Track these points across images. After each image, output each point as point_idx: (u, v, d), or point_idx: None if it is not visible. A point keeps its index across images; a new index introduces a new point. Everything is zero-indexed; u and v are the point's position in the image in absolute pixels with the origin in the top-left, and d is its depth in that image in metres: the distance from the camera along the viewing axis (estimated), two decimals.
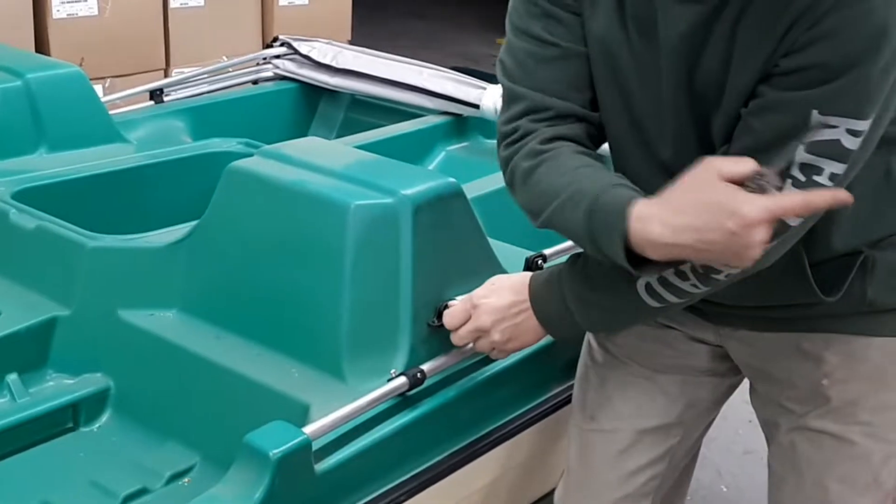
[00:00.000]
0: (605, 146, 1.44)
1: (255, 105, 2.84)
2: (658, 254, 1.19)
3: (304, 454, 1.32)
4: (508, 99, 1.43)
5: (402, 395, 1.48)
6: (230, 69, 2.93)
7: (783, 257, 1.31)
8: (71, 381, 1.72)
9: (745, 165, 1.14)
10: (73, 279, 1.75)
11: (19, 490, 1.54)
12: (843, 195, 1.15)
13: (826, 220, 1.31)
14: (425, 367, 1.50)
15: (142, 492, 1.54)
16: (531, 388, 1.73)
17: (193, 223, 1.70)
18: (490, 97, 2.61)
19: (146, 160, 2.28)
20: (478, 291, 1.49)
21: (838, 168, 1.20)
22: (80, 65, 2.55)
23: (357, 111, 2.92)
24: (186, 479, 1.57)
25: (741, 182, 1.13)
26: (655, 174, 1.33)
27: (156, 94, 2.68)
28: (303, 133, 2.82)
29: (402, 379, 1.47)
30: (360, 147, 2.03)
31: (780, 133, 1.21)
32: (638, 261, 1.22)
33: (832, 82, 1.17)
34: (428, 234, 1.53)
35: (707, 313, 1.48)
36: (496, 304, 1.46)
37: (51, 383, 1.72)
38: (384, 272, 1.51)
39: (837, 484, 1.46)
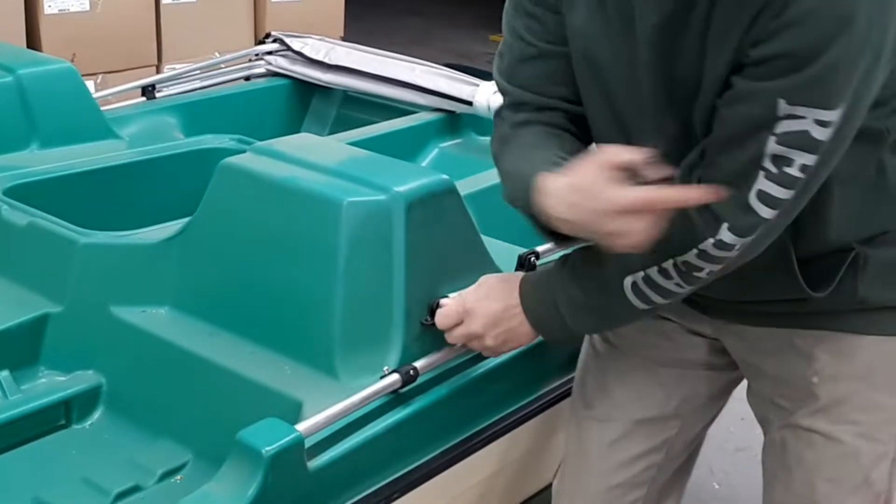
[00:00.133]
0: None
1: (248, 101, 2.83)
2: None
3: (296, 451, 1.32)
4: (500, 92, 1.50)
5: (394, 392, 1.48)
6: (222, 65, 2.92)
7: (770, 252, 1.31)
8: (63, 378, 1.71)
9: (626, 154, 1.17)
10: (64, 276, 1.74)
11: (11, 487, 1.54)
12: (718, 192, 1.19)
13: (815, 215, 1.31)
14: (418, 364, 1.50)
15: (134, 489, 1.53)
16: (524, 385, 1.73)
17: (186, 220, 1.69)
18: (483, 94, 2.61)
19: (138, 156, 2.27)
20: (469, 294, 1.49)
21: (809, 159, 1.20)
22: (72, 60, 2.55)
23: (350, 108, 2.91)
24: (179, 477, 1.57)
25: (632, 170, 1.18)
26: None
27: (148, 91, 2.68)
28: (295, 129, 2.81)
29: (395, 376, 1.47)
30: (352, 144, 2.03)
31: (750, 124, 1.21)
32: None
33: (799, 72, 1.17)
34: (421, 231, 1.53)
35: (703, 306, 1.48)
36: (488, 310, 1.46)
37: (43, 380, 1.71)
38: (377, 269, 1.51)
39: (826, 484, 1.46)
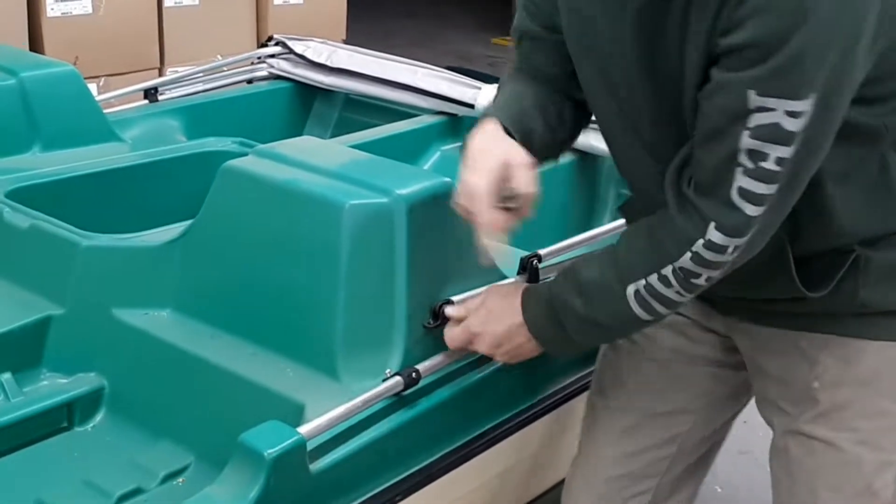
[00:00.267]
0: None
1: (250, 104, 2.84)
2: None
3: (298, 454, 1.32)
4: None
5: (397, 394, 1.48)
6: (225, 68, 2.92)
7: (767, 249, 1.30)
8: (65, 381, 1.71)
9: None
10: (67, 278, 1.74)
11: (13, 489, 1.54)
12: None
13: (813, 214, 1.30)
14: (420, 366, 1.50)
15: (136, 491, 1.53)
16: (527, 387, 1.73)
17: (188, 222, 1.69)
18: (485, 97, 2.61)
19: (140, 159, 2.27)
20: (473, 319, 1.49)
21: (784, 151, 1.18)
22: (75, 63, 2.55)
23: (352, 110, 2.91)
24: (181, 479, 1.57)
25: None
26: (641, 156, 1.34)
27: (150, 93, 2.68)
28: (297, 132, 2.82)
29: (397, 379, 1.47)
30: (354, 146, 2.03)
31: (724, 117, 1.20)
32: None
33: (766, 62, 1.16)
34: (423, 234, 1.53)
35: (715, 303, 1.48)
36: (493, 332, 1.47)
37: (45, 382, 1.71)
38: (379, 271, 1.51)
39: (828, 492, 1.44)
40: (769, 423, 1.53)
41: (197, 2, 3.79)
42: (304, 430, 1.34)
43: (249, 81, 2.94)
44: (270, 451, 1.28)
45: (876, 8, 1.17)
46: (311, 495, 1.37)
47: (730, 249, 1.25)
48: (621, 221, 1.90)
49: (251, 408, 1.47)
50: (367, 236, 1.50)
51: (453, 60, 6.31)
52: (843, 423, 1.42)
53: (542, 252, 1.69)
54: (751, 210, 1.22)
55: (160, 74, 3.65)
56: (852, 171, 1.30)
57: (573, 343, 1.43)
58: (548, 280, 1.47)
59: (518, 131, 1.41)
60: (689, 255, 1.27)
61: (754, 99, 1.17)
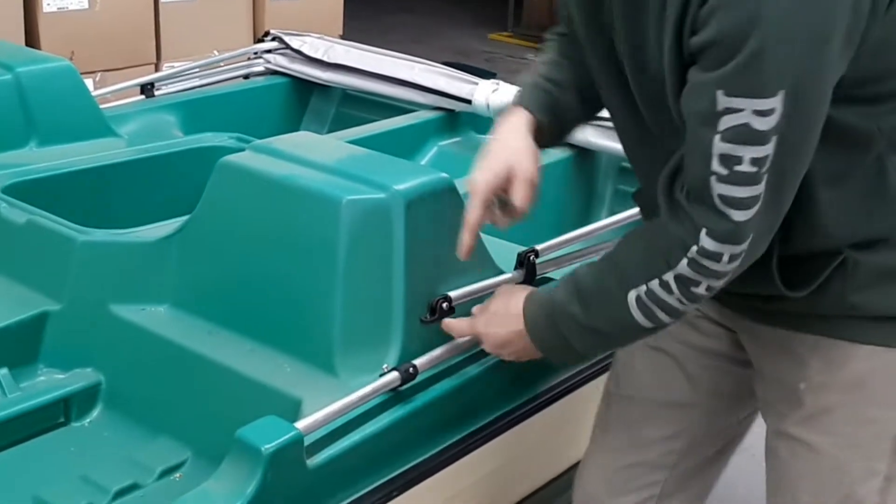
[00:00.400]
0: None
1: (247, 100, 2.83)
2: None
3: (296, 449, 1.32)
4: None
5: (394, 390, 1.48)
6: (221, 63, 2.92)
7: None
8: (62, 376, 1.71)
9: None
10: (63, 274, 1.74)
11: (10, 485, 1.54)
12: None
13: (805, 216, 1.28)
14: (417, 362, 1.50)
15: (133, 487, 1.53)
16: (524, 382, 1.73)
17: (185, 218, 1.69)
18: (482, 92, 2.61)
19: (137, 154, 2.27)
20: (477, 320, 1.50)
21: (758, 151, 1.16)
22: (71, 58, 2.54)
23: (349, 106, 2.91)
24: (178, 474, 1.57)
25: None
26: (645, 150, 1.34)
27: (147, 89, 2.68)
28: (294, 128, 2.81)
29: (395, 374, 1.47)
30: (352, 142, 2.03)
31: (698, 120, 1.19)
32: None
33: (730, 60, 1.14)
34: (420, 230, 1.53)
35: (722, 298, 1.47)
36: (496, 336, 1.48)
37: (42, 378, 1.71)
38: (376, 267, 1.51)
39: (808, 496, 1.42)
40: (766, 421, 1.52)
41: None
42: (301, 425, 1.34)
43: (246, 77, 2.93)
44: (268, 447, 1.28)
45: (848, 3, 1.14)
46: (309, 490, 1.37)
47: (725, 257, 1.23)
48: (619, 216, 1.91)
49: (248, 403, 1.47)
50: (364, 232, 1.50)
51: (451, 56, 6.32)
52: (828, 427, 1.40)
53: (539, 247, 1.68)
54: (738, 215, 1.20)
55: (156, 70, 3.65)
56: (845, 173, 1.28)
57: (574, 351, 1.42)
58: (549, 287, 1.45)
59: (546, 116, 1.49)
60: (685, 261, 1.25)
61: (722, 100, 1.16)
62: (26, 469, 1.58)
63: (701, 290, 1.27)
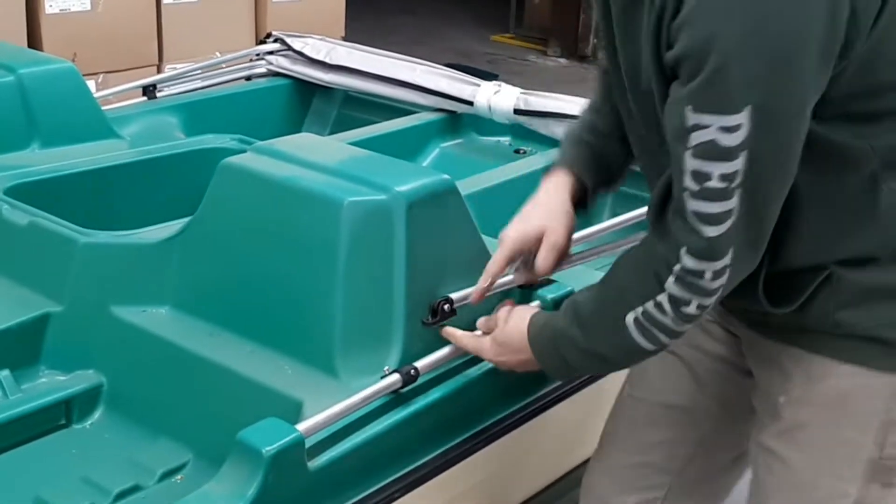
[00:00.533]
0: None
1: (249, 101, 2.84)
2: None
3: (297, 451, 1.32)
4: None
5: (395, 392, 1.48)
6: (223, 65, 2.92)
7: None
8: (63, 378, 1.71)
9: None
10: (65, 275, 1.74)
11: (12, 487, 1.54)
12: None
13: (792, 233, 1.27)
14: (419, 364, 1.50)
15: (134, 489, 1.53)
16: (525, 385, 1.73)
17: (186, 219, 1.69)
18: (484, 94, 2.61)
19: (139, 156, 2.27)
20: (486, 347, 1.49)
21: (726, 167, 1.15)
22: (73, 60, 2.55)
23: (351, 108, 2.92)
24: (179, 476, 1.57)
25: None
26: (652, 167, 1.34)
27: (149, 90, 2.68)
28: (296, 129, 2.82)
29: (396, 376, 1.47)
30: (353, 143, 2.03)
31: (673, 136, 1.19)
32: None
33: (697, 76, 1.13)
34: (422, 231, 1.52)
35: (726, 303, 1.47)
36: (508, 364, 1.49)
37: (43, 380, 1.71)
38: (378, 269, 1.51)
39: None
40: (753, 431, 1.51)
41: None
42: (302, 427, 1.34)
43: (248, 78, 2.94)
44: (268, 449, 1.28)
45: (821, 18, 1.12)
46: (310, 492, 1.37)
47: (707, 275, 1.22)
48: (620, 218, 1.90)
49: (249, 405, 1.47)
50: (365, 233, 1.50)
51: (453, 57, 6.32)
52: (801, 442, 1.37)
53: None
54: (709, 231, 1.19)
55: (159, 71, 3.65)
56: (834, 191, 1.26)
57: (578, 373, 1.42)
58: (553, 313, 1.45)
59: (589, 171, 1.52)
60: (672, 279, 1.25)
61: (690, 116, 1.15)
62: (27, 471, 1.58)
63: (692, 309, 1.26)
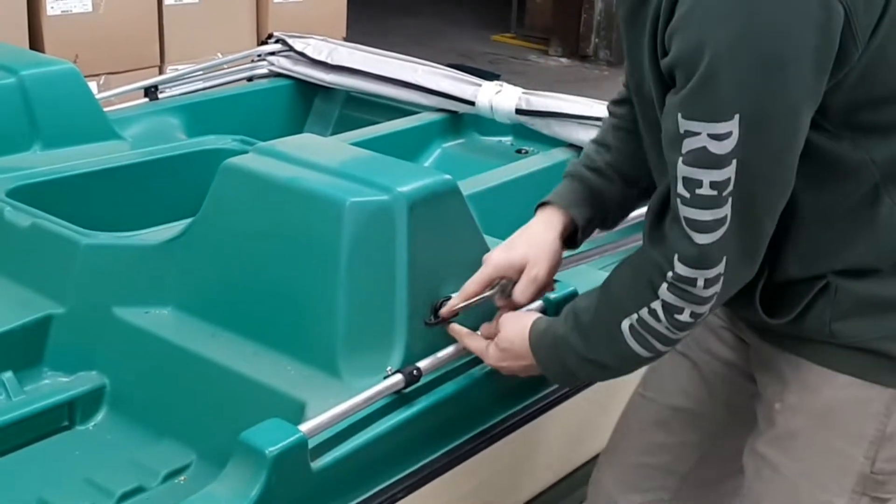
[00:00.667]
0: None
1: (250, 102, 2.84)
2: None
3: (300, 452, 1.32)
4: None
5: (398, 392, 1.48)
6: (225, 66, 2.92)
7: None
8: (66, 379, 1.71)
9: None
10: (67, 277, 1.74)
11: (15, 488, 1.54)
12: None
13: (791, 243, 1.27)
14: (421, 364, 1.50)
15: (138, 490, 1.53)
16: (528, 384, 1.73)
17: (188, 220, 1.69)
18: (485, 94, 2.61)
19: (141, 157, 2.27)
20: (490, 352, 1.49)
21: (716, 175, 1.16)
22: (75, 62, 2.55)
23: (352, 108, 2.91)
24: (183, 477, 1.57)
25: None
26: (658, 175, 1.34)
27: (150, 91, 2.68)
28: (298, 130, 2.81)
29: (398, 376, 1.47)
30: (355, 144, 2.03)
31: (667, 143, 1.20)
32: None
33: (687, 83, 1.14)
34: (424, 231, 1.52)
35: (729, 311, 1.47)
36: (511, 369, 1.49)
37: (46, 381, 1.71)
38: (380, 269, 1.51)
39: None
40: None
41: (197, 0, 3.79)
42: (305, 427, 1.34)
43: (250, 79, 2.94)
44: (272, 449, 1.28)
45: (812, 27, 1.11)
46: (313, 493, 1.37)
47: (700, 282, 1.22)
48: None
49: (252, 406, 1.47)
50: (368, 234, 1.50)
51: (454, 58, 6.32)
52: (792, 450, 1.37)
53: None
54: (700, 238, 1.20)
55: (160, 72, 3.65)
56: (834, 202, 1.26)
57: (579, 379, 1.44)
58: (554, 319, 1.45)
59: (582, 209, 1.50)
60: (665, 286, 1.25)
61: (682, 122, 1.16)
62: (31, 472, 1.58)
63: (685, 316, 1.26)
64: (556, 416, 1.78)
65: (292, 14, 4.01)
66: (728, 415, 1.56)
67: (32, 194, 1.97)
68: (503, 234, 1.80)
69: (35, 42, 3.44)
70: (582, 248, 1.69)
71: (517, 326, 1.47)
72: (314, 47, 2.87)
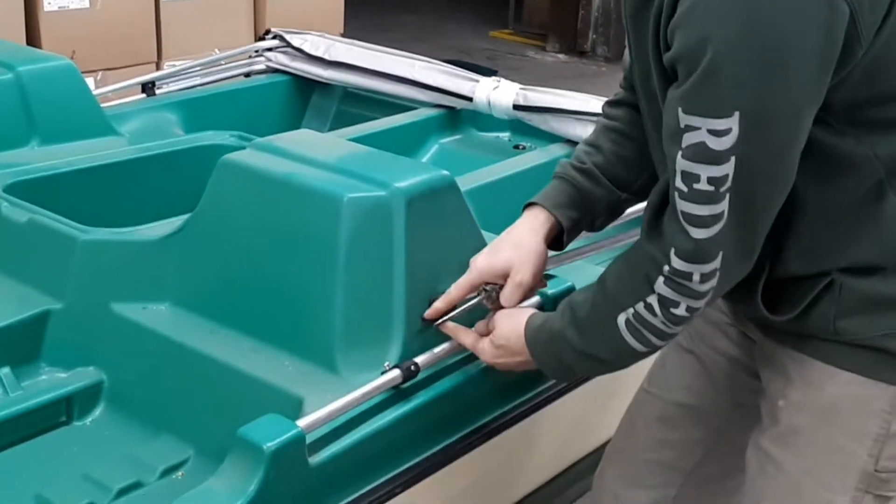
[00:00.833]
0: None
1: (248, 98, 2.84)
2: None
3: (297, 447, 1.32)
4: None
5: (395, 387, 1.48)
6: (222, 62, 2.92)
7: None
8: (64, 375, 1.71)
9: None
10: (65, 272, 1.74)
11: (13, 484, 1.54)
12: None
13: (794, 240, 1.27)
14: (419, 359, 1.50)
15: (135, 485, 1.53)
16: (526, 380, 1.73)
17: (186, 216, 1.69)
18: (483, 90, 2.61)
19: (138, 153, 2.27)
20: (486, 349, 1.49)
21: (715, 171, 1.16)
22: (72, 57, 2.54)
23: (350, 104, 2.91)
24: (180, 473, 1.57)
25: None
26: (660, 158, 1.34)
27: (148, 87, 2.68)
28: (295, 126, 2.81)
29: (396, 372, 1.47)
30: (353, 140, 2.03)
31: (667, 137, 1.20)
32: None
33: (688, 78, 1.14)
34: (421, 227, 1.53)
35: (731, 307, 1.47)
36: (507, 366, 1.49)
37: (44, 377, 1.71)
38: (377, 265, 1.51)
39: None
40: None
41: None
42: (302, 423, 1.34)
43: (247, 75, 2.94)
44: (269, 445, 1.28)
45: (815, 24, 1.11)
46: (311, 488, 1.37)
47: (696, 277, 1.23)
48: None
49: (250, 401, 1.47)
50: (365, 229, 1.50)
51: (452, 54, 6.31)
52: (794, 447, 1.36)
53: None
54: (697, 233, 1.20)
55: (157, 68, 3.65)
56: (839, 199, 1.26)
57: (576, 374, 1.43)
58: (550, 314, 1.45)
59: (568, 211, 1.49)
60: (662, 279, 1.25)
61: (682, 117, 1.15)
62: (28, 468, 1.58)
63: (681, 311, 1.26)
64: (554, 412, 1.78)
65: (289, 10, 4.01)
66: (733, 411, 1.56)
67: (30, 190, 1.97)
68: (501, 230, 1.80)
69: (32, 38, 3.44)
70: (581, 243, 1.69)
71: (513, 323, 1.47)
72: (311, 43, 2.87)
